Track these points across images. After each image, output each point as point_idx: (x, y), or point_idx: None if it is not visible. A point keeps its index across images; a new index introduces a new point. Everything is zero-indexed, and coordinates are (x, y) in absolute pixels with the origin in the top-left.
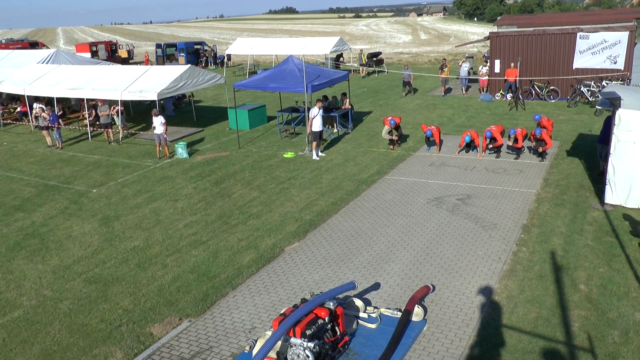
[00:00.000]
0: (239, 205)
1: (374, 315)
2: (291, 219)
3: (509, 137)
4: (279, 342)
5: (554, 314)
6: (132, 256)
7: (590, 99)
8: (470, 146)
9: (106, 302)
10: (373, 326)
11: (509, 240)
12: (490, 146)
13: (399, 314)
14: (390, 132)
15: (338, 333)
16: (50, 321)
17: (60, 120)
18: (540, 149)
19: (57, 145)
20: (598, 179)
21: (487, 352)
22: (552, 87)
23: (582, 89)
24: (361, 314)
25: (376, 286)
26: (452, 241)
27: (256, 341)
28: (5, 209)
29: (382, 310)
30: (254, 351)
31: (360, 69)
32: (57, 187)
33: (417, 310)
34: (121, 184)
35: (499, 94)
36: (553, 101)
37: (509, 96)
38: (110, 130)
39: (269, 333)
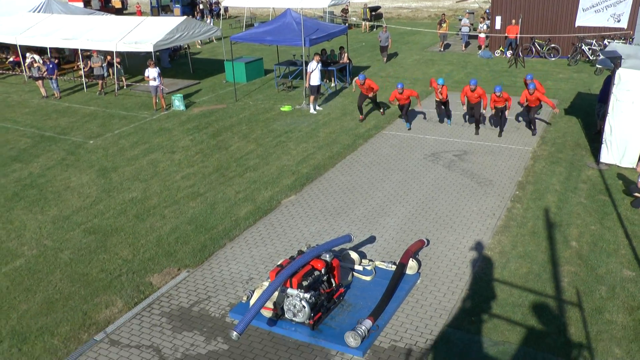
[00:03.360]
0: (236, 157)
1: (369, 267)
2: (288, 172)
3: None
4: (276, 293)
5: (544, 270)
6: (131, 207)
7: (591, 58)
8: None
9: (106, 252)
10: (368, 278)
11: (503, 197)
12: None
13: (394, 267)
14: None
15: (333, 285)
16: (52, 270)
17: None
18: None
19: (55, 95)
20: (595, 138)
21: (478, 305)
22: (552, 45)
23: (583, 47)
24: (356, 267)
25: (371, 239)
26: (448, 197)
27: (253, 292)
28: (2, 160)
29: (377, 263)
30: (252, 301)
31: (363, 23)
32: (54, 138)
33: (412, 263)
34: (118, 135)
35: (498, 50)
36: (553, 59)
37: (508, 53)
38: (103, 81)
39: (266, 284)
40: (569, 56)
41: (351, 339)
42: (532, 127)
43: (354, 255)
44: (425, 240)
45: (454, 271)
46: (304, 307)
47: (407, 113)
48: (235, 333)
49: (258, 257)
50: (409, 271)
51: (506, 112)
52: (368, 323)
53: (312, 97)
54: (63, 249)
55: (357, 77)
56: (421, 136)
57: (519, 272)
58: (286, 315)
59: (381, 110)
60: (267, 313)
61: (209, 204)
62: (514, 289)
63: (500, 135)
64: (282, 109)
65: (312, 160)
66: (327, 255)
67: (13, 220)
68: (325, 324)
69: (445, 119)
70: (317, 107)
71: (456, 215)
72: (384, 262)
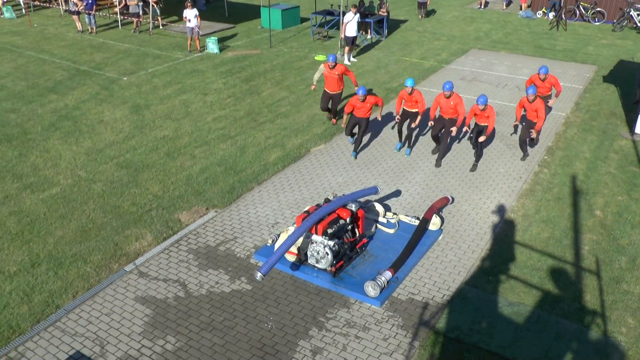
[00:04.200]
0: (268, 103)
1: (392, 220)
2: (318, 121)
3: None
4: (301, 238)
5: (566, 236)
6: (162, 145)
7: (638, 25)
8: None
9: (137, 187)
10: (391, 231)
11: (531, 161)
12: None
13: (417, 222)
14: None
15: (357, 234)
16: (85, 200)
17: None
18: (533, 134)
19: (90, 30)
20: (632, 108)
21: (497, 265)
22: (598, 9)
23: (631, 12)
24: (380, 219)
25: (397, 193)
26: None
27: (279, 235)
28: (39, 90)
29: (401, 216)
30: (276, 245)
31: None
32: (89, 72)
33: (435, 219)
34: (151, 74)
35: (540, 11)
36: (597, 24)
37: (551, 15)
38: (138, 19)
39: (292, 229)
40: (615, 21)
41: (370, 289)
42: (525, 150)
43: (379, 207)
44: (450, 198)
45: (476, 230)
46: (327, 254)
47: (363, 134)
48: (259, 274)
49: (285, 202)
50: (431, 227)
51: (484, 136)
52: (388, 274)
53: (347, 48)
54: (96, 181)
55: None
56: None
57: (540, 237)
58: (309, 261)
59: (334, 120)
60: (290, 257)
61: (239, 147)
62: (533, 252)
63: (474, 168)
64: (316, 58)
65: (343, 111)
66: (353, 205)
67: (49, 150)
68: (346, 273)
69: (404, 147)
70: (352, 59)
71: (482, 175)
72: (407, 216)
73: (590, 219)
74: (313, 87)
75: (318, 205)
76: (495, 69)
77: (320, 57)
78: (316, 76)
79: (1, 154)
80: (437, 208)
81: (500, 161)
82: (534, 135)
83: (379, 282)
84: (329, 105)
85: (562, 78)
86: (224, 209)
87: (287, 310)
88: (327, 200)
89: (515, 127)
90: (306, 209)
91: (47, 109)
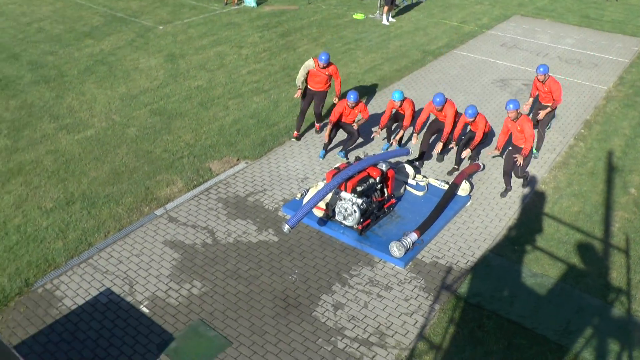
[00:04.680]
0: (303, 59)
1: (422, 183)
2: (353, 80)
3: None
4: (330, 194)
5: (596, 212)
6: (196, 94)
7: None
8: None
9: (169, 134)
10: (420, 194)
11: (567, 133)
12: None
13: (446, 186)
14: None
15: (386, 194)
16: (119, 144)
17: None
18: (519, 160)
19: None
20: None
21: (523, 235)
22: None
23: None
24: (410, 181)
25: (428, 156)
26: None
27: (308, 190)
28: (76, 34)
29: (431, 180)
30: (305, 199)
31: None
32: (125, 20)
33: (464, 185)
34: (187, 24)
35: None
36: None
37: None
38: None
39: (322, 184)
40: None
41: (395, 249)
42: (508, 184)
43: (409, 169)
44: (481, 165)
45: (505, 199)
46: (354, 211)
47: (349, 146)
48: (287, 226)
49: (315, 158)
50: (460, 192)
51: (468, 150)
52: (414, 236)
53: (386, 8)
54: (130, 126)
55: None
56: (492, 60)
57: (570, 210)
58: (336, 217)
59: (317, 125)
60: (318, 213)
61: (273, 101)
62: (561, 225)
63: (452, 171)
64: (354, 16)
65: (378, 71)
66: (384, 165)
67: (85, 93)
68: (372, 232)
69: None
70: (390, 19)
71: None
72: (437, 180)
73: (623, 196)
74: (298, 93)
75: (349, 163)
76: (537, 37)
77: (358, 16)
78: (301, 75)
79: (39, 94)
80: (468, 174)
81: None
82: (519, 161)
83: (404, 243)
84: (309, 108)
85: (607, 50)
86: (254, 160)
87: (311, 264)
88: (357, 159)
89: (495, 157)
90: (337, 165)
91: (84, 53)
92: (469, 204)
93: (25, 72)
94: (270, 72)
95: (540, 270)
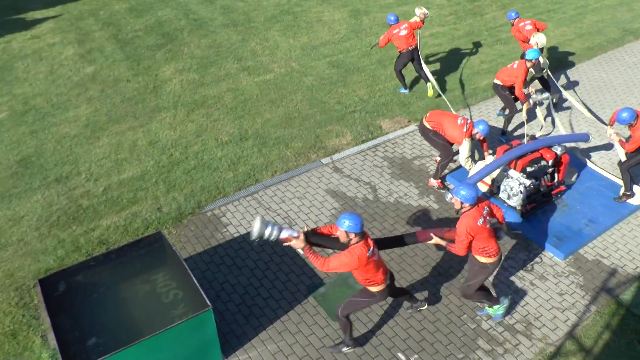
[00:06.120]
0: (490, 27)
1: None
2: None
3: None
4: (498, 170)
5: None
6: (374, 52)
7: None
8: None
9: (344, 87)
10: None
11: None
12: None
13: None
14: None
15: (556, 180)
16: (295, 90)
17: None
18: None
19: None
20: None
21: None
22: None
23: None
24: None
25: (608, 146)
26: None
27: (476, 162)
28: None
29: (605, 174)
30: (472, 171)
31: None
32: None
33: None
34: None
35: None
36: None
37: None
38: None
39: (491, 159)
40: None
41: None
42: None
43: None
44: None
45: None
46: (520, 192)
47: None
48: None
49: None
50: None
51: None
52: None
53: None
54: (307, 74)
55: None
56: None
57: None
58: (500, 195)
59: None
60: (482, 187)
61: (451, 66)
62: None
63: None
64: None
65: (568, 47)
66: (559, 148)
67: (269, 39)
68: (535, 216)
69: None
70: None
71: None
72: (613, 175)
73: None
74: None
75: (522, 142)
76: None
77: None
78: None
79: (227, 36)
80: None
81: None
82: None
83: (270, 225)
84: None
85: None
86: None
87: None
88: (532, 138)
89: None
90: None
91: (271, 2)
92: None
93: (218, 15)
94: (453, 37)
95: None
